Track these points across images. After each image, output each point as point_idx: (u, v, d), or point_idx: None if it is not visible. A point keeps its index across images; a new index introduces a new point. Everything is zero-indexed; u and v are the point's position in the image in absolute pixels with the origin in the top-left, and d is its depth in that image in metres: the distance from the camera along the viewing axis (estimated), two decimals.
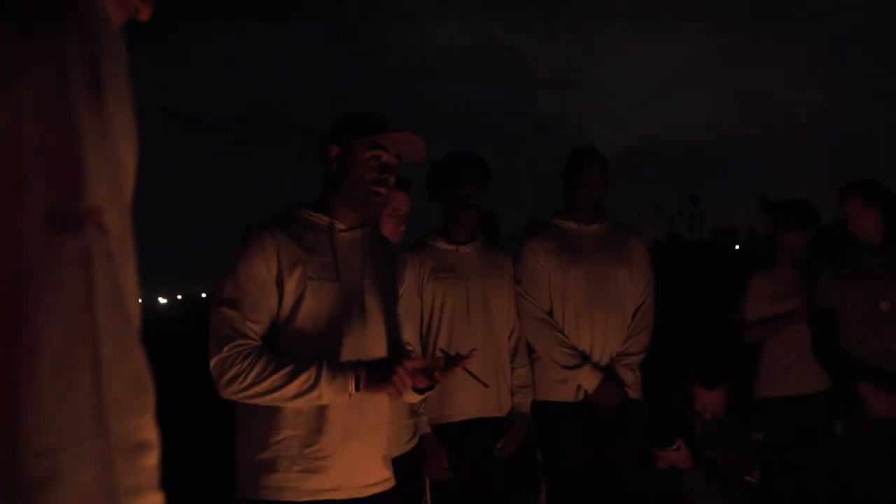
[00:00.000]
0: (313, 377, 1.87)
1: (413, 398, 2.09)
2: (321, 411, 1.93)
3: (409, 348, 2.14)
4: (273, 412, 1.92)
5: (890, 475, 3.02)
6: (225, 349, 1.88)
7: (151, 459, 0.84)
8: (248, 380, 1.86)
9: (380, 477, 2.03)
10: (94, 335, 0.78)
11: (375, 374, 1.92)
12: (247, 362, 1.87)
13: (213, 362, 1.89)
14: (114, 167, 0.83)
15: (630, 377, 3.06)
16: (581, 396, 3.02)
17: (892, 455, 3.01)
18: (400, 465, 2.45)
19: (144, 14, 0.95)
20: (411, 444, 2.66)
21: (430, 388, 2.00)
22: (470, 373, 2.51)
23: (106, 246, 0.80)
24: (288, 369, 1.87)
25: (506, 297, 3.02)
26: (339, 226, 2.05)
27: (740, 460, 3.26)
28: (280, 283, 1.94)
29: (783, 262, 3.69)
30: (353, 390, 1.90)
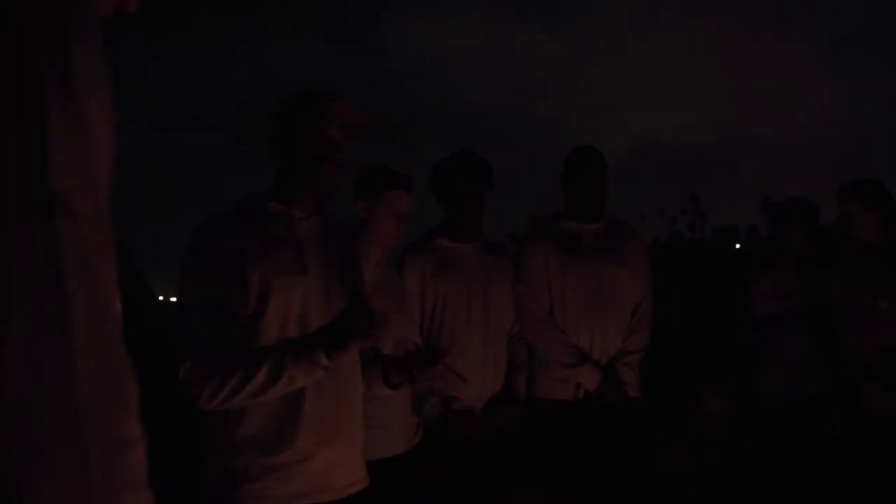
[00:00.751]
0: (280, 361, 1.75)
1: (384, 391, 2.07)
2: (295, 412, 1.82)
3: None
4: (243, 415, 1.80)
5: (889, 476, 3.03)
6: (192, 360, 1.75)
7: (136, 456, 0.80)
8: (217, 384, 1.73)
9: (356, 476, 1.94)
10: (65, 324, 0.74)
11: (338, 333, 1.79)
12: (217, 369, 1.75)
13: (182, 374, 1.75)
14: (87, 154, 0.79)
15: (630, 376, 3.07)
16: (581, 395, 3.03)
17: (892, 456, 3.02)
18: (400, 463, 2.46)
19: (132, 4, 0.92)
20: (415, 441, 2.66)
21: (410, 380, 1.99)
22: (450, 368, 2.52)
23: (78, 232, 0.77)
24: (251, 362, 1.75)
25: (506, 296, 3.03)
26: (298, 214, 1.93)
27: (740, 462, 3.27)
28: (244, 282, 1.80)
29: (784, 261, 3.69)
30: (326, 361, 1.77)
